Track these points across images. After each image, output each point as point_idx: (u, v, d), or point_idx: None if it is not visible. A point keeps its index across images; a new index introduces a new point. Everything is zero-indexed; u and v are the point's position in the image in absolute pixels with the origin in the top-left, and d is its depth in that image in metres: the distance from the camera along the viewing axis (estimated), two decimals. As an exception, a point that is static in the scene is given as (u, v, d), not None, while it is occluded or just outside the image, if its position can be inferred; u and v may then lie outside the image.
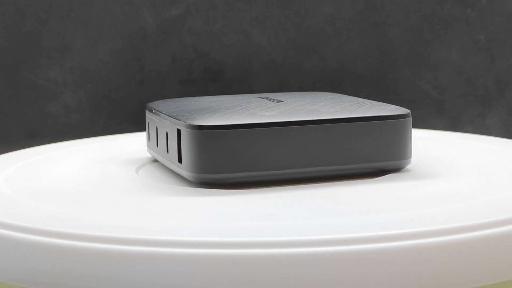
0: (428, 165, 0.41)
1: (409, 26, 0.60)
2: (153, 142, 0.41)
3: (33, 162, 0.44)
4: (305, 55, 0.61)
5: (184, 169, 0.36)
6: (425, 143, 0.47)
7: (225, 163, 0.35)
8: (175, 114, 0.37)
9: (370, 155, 0.37)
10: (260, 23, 0.61)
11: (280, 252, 0.28)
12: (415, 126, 0.60)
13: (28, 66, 0.61)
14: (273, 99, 0.41)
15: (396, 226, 0.29)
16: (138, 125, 0.60)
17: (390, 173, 0.38)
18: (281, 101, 0.40)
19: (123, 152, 0.45)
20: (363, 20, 0.60)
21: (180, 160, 0.36)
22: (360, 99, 0.41)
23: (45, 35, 0.61)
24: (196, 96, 0.46)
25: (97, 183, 0.38)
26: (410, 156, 0.38)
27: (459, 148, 0.46)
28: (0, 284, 0.31)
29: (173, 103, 0.41)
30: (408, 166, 0.39)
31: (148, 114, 0.42)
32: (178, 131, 0.36)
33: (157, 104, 0.42)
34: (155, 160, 0.43)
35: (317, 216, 0.31)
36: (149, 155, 0.44)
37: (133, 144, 0.48)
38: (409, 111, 0.38)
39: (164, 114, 0.39)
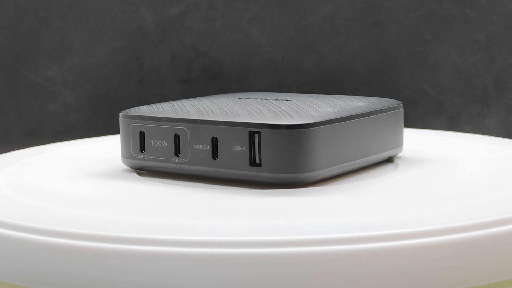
0: (427, 165, 0.41)
1: (408, 25, 0.60)
2: (162, 151, 0.38)
3: (33, 161, 0.44)
4: (304, 54, 0.61)
5: (265, 172, 0.35)
6: (424, 142, 0.47)
7: (315, 161, 0.36)
8: (231, 117, 0.36)
9: (387, 144, 0.40)
10: (259, 22, 0.61)
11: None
12: (414, 125, 0.60)
13: (27, 65, 0.61)
14: (275, 99, 0.41)
15: (396, 226, 0.29)
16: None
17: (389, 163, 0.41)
18: (288, 100, 0.40)
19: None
20: (362, 19, 0.60)
21: (255, 163, 0.36)
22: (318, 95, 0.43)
23: (44, 34, 0.61)
24: (196, 96, 0.46)
25: (97, 183, 0.38)
26: (403, 143, 0.42)
27: (457, 148, 0.46)
28: (0, 284, 0.31)
29: (172, 108, 0.39)
30: (408, 166, 0.40)
31: (139, 123, 0.39)
32: (253, 133, 0.35)
33: (159, 111, 0.39)
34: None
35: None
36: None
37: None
38: (401, 102, 0.42)
39: (205, 119, 0.37)
